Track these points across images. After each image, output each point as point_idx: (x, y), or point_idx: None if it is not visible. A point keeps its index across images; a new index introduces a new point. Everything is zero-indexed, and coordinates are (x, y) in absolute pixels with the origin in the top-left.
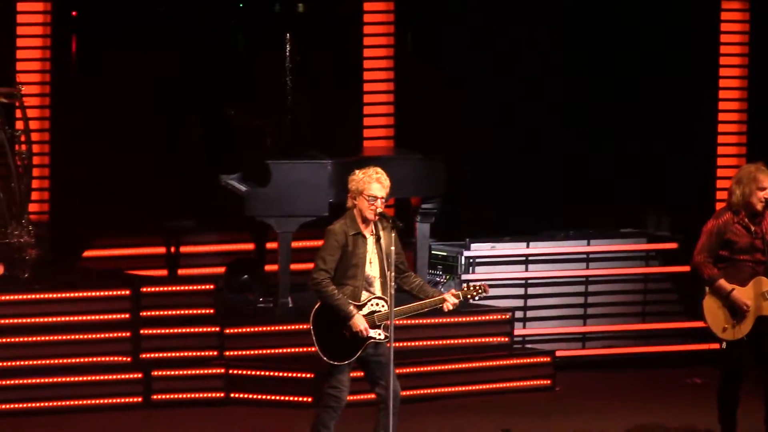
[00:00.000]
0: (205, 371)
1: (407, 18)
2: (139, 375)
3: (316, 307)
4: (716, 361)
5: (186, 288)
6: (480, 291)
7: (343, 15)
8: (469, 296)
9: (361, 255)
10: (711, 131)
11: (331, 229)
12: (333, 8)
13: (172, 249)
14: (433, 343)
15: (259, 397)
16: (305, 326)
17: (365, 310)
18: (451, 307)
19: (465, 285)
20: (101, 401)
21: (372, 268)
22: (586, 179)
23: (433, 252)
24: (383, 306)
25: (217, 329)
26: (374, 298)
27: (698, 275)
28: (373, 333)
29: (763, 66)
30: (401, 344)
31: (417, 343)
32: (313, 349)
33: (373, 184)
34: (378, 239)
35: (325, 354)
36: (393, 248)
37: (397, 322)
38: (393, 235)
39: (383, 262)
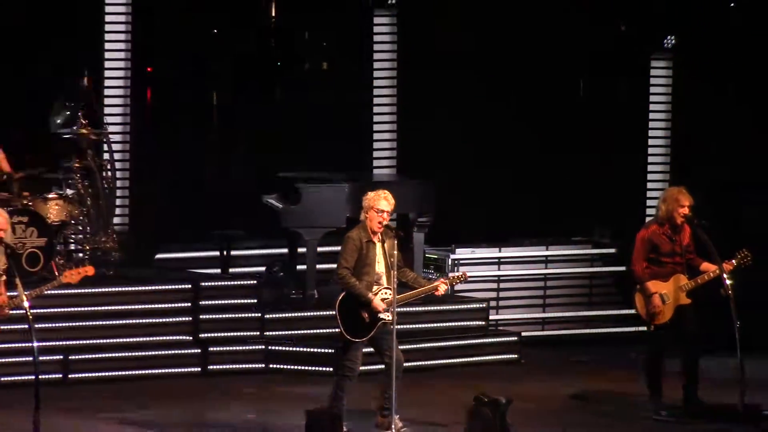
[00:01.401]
0: (249, 347)
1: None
2: (198, 350)
3: (340, 297)
4: (645, 339)
5: (234, 283)
6: (462, 278)
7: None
8: (454, 283)
9: (371, 257)
10: (643, 162)
11: (349, 236)
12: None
13: (224, 252)
14: (426, 325)
15: (291, 367)
16: (329, 312)
17: (379, 297)
18: (442, 292)
19: (450, 274)
20: (169, 370)
21: (379, 267)
22: (545, 198)
23: (426, 255)
24: (389, 294)
25: (259, 315)
26: (383, 288)
27: (634, 275)
28: (383, 315)
29: (686, 120)
30: (401, 326)
31: (414, 326)
32: (334, 329)
33: (381, 201)
34: (383, 244)
35: (347, 333)
36: (395, 252)
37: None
38: (395, 241)
39: (388, 261)
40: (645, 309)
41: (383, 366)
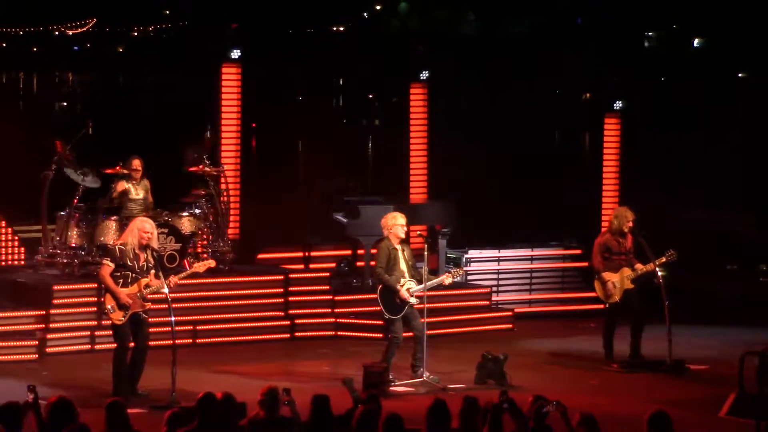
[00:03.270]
0: (324, 320)
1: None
2: (288, 322)
3: (379, 288)
4: (602, 314)
5: (313, 275)
6: (461, 274)
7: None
8: (457, 277)
9: (396, 259)
10: (599, 190)
11: (380, 245)
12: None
13: (307, 253)
14: (444, 305)
15: (354, 334)
16: (376, 296)
17: (404, 287)
18: (448, 283)
19: (453, 270)
20: (267, 336)
21: (402, 265)
22: (532, 215)
23: (447, 255)
24: (412, 284)
25: (331, 297)
26: (407, 281)
27: (593, 269)
28: (412, 299)
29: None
30: (429, 305)
31: (435, 305)
32: (379, 308)
33: (399, 218)
34: (403, 251)
35: (387, 312)
36: (410, 255)
37: (422, 293)
38: (409, 247)
39: (407, 262)
40: (602, 292)
41: (412, 333)
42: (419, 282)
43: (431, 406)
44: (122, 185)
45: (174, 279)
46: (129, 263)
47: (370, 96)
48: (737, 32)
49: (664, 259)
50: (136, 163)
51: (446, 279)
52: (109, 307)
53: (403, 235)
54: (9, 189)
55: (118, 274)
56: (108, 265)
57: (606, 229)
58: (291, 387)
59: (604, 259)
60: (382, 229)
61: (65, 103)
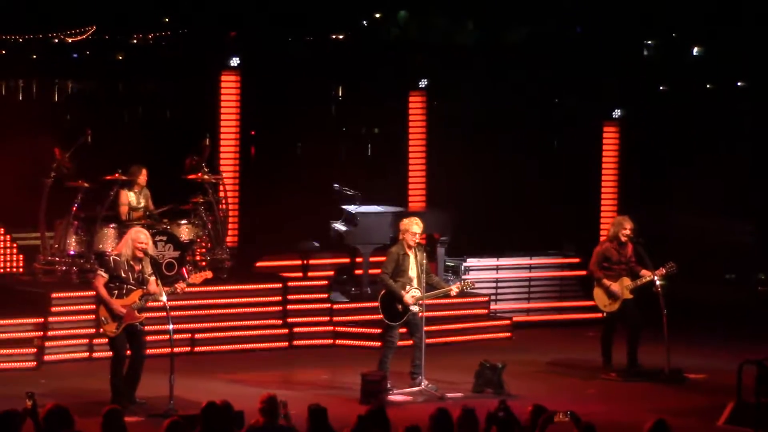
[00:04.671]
0: (322, 329)
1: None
2: (286, 330)
3: (381, 294)
4: (600, 322)
5: (311, 284)
6: (470, 285)
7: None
8: (465, 288)
9: (406, 265)
10: (597, 200)
11: (390, 250)
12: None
13: (305, 261)
14: (445, 312)
15: (352, 343)
16: (377, 304)
17: (409, 294)
18: (455, 294)
19: (462, 281)
20: (266, 344)
21: (412, 272)
22: (530, 224)
23: (446, 263)
24: (418, 292)
25: (329, 305)
26: (413, 288)
27: (592, 277)
28: (413, 307)
29: (629, 169)
30: (427, 314)
31: (435, 314)
32: (379, 316)
33: (414, 225)
34: (415, 256)
35: (386, 318)
36: (424, 261)
37: (427, 301)
38: (423, 254)
39: (418, 268)
40: (602, 300)
41: (413, 342)
42: (429, 290)
43: (434, 415)
44: (126, 195)
45: (181, 286)
46: (123, 275)
47: (369, 103)
48: (737, 40)
49: (664, 271)
50: (144, 173)
51: (454, 289)
52: (102, 318)
53: (412, 244)
54: (8, 196)
55: (113, 285)
56: (102, 276)
57: (605, 238)
58: (289, 395)
59: (603, 268)
60: (383, 237)
61: (64, 111)
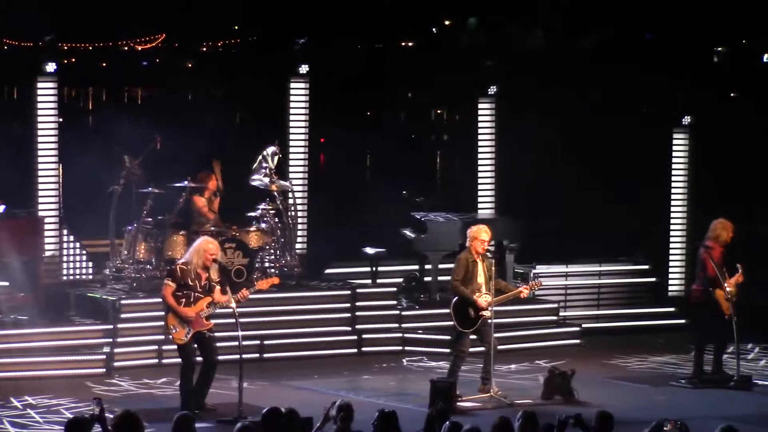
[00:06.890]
0: (391, 335)
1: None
2: (355, 337)
3: (454, 300)
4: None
5: (380, 290)
6: (538, 285)
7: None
8: (534, 288)
9: (475, 272)
10: (667, 208)
11: (459, 257)
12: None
13: (374, 268)
14: (515, 319)
15: (421, 349)
16: (446, 311)
17: (482, 298)
18: (526, 295)
19: (531, 282)
20: (334, 351)
21: (480, 279)
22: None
23: (515, 270)
24: (489, 297)
25: (398, 312)
26: (484, 294)
27: (708, 282)
28: (484, 312)
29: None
30: (498, 320)
31: (506, 319)
32: (450, 322)
33: (482, 233)
34: (484, 263)
35: (459, 325)
36: (493, 268)
37: (498, 306)
38: (492, 261)
39: (486, 275)
40: (724, 304)
41: (483, 348)
42: (498, 295)
43: (496, 424)
44: (202, 201)
45: (245, 292)
46: (191, 283)
47: (439, 111)
48: None
49: (741, 279)
50: (213, 178)
51: (524, 291)
52: (171, 326)
53: (481, 251)
54: (78, 204)
55: (180, 293)
56: (170, 285)
57: (712, 241)
58: (358, 401)
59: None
60: (452, 244)
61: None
